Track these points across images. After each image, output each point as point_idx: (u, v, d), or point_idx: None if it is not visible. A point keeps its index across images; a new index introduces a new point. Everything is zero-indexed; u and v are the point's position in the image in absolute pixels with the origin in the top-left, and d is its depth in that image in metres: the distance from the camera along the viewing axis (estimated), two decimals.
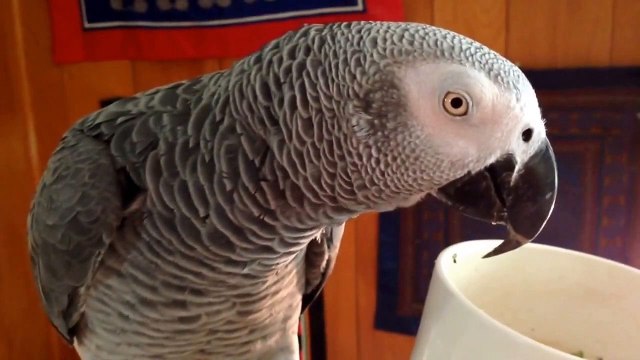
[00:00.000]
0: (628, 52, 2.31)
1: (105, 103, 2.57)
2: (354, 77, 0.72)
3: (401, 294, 2.64)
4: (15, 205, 2.76)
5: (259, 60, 0.79)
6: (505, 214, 0.77)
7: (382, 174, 0.74)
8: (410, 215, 2.56)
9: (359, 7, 2.40)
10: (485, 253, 0.84)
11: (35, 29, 2.65)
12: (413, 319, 2.62)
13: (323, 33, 0.76)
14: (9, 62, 2.67)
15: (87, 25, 2.59)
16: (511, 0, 2.37)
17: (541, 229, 0.77)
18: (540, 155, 0.76)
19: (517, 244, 0.79)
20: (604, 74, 2.33)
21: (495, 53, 0.75)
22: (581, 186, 2.33)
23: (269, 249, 0.83)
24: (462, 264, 0.93)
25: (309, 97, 0.73)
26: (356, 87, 0.72)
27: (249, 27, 2.48)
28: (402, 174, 0.74)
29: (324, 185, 0.76)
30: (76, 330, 0.98)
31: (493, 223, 0.79)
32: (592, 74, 2.31)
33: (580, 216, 2.38)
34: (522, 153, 0.75)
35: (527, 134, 0.74)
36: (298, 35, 0.78)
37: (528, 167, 0.75)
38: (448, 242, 2.54)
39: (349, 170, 0.74)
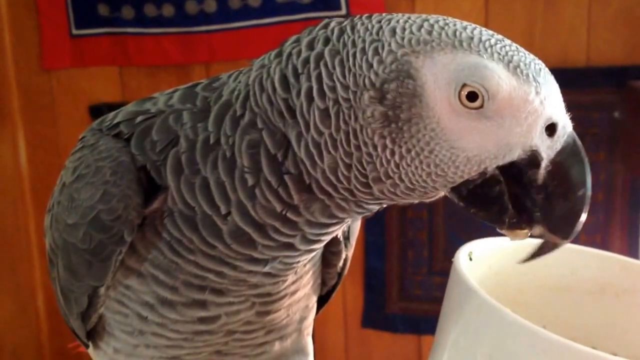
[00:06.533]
0: (604, 52, 2.36)
1: (93, 109, 2.63)
2: (370, 66, 0.71)
3: (388, 292, 2.66)
4: (4, 211, 2.75)
5: (279, 54, 0.78)
6: (515, 221, 0.74)
7: (397, 166, 0.72)
8: (395, 215, 2.58)
9: (343, 11, 2.44)
10: (502, 253, 0.82)
11: (23, 35, 2.65)
12: (400, 317, 2.65)
13: (343, 24, 0.76)
14: None
15: (74, 31, 2.59)
16: (490, 4, 2.42)
17: (578, 228, 0.72)
18: (568, 150, 0.72)
19: (554, 246, 0.75)
20: (581, 75, 2.37)
21: (518, 46, 0.72)
22: None
23: (291, 246, 0.82)
24: (477, 261, 0.91)
25: (325, 88, 0.72)
26: (372, 77, 0.71)
27: (235, 32, 2.51)
28: (416, 168, 0.72)
29: (341, 177, 0.75)
30: (92, 333, 0.96)
31: (502, 231, 0.76)
32: (569, 75, 2.34)
33: None
34: (547, 149, 0.71)
35: (550, 129, 0.71)
36: (318, 27, 0.77)
37: (555, 163, 0.71)
38: (432, 241, 2.57)
39: (364, 161, 0.73)
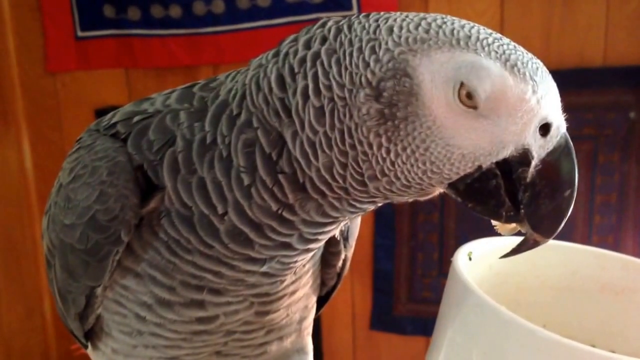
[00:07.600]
0: (621, 52, 2.34)
1: (100, 112, 2.60)
2: (367, 64, 0.71)
3: (396, 294, 2.67)
4: (10, 216, 2.75)
5: (276, 54, 0.78)
6: (513, 214, 0.74)
7: (393, 164, 0.73)
8: (406, 217, 2.58)
9: (354, 11, 2.40)
10: (502, 252, 0.82)
11: (27, 38, 2.62)
12: (408, 319, 2.67)
13: (340, 23, 0.75)
14: (2, 72, 2.64)
15: (80, 34, 2.56)
16: (505, 3, 2.38)
17: (560, 228, 0.74)
18: (559, 151, 0.72)
19: (535, 244, 0.76)
20: (598, 75, 2.35)
21: (516, 44, 0.73)
22: None
23: (288, 246, 0.82)
24: (477, 261, 0.91)
25: (321, 86, 0.73)
26: (369, 75, 0.71)
27: (243, 33, 2.47)
28: (412, 165, 0.73)
29: (336, 176, 0.75)
30: (91, 334, 0.97)
31: (495, 224, 0.78)
32: (585, 75, 2.33)
33: (572, 214, 2.41)
34: (539, 148, 0.72)
35: (544, 128, 0.71)
36: (316, 26, 0.77)
37: (546, 163, 0.72)
38: (442, 244, 2.58)
39: (360, 160, 0.73)
